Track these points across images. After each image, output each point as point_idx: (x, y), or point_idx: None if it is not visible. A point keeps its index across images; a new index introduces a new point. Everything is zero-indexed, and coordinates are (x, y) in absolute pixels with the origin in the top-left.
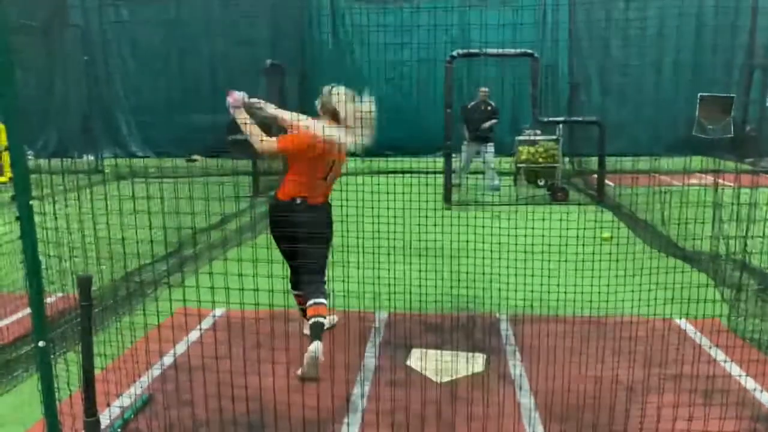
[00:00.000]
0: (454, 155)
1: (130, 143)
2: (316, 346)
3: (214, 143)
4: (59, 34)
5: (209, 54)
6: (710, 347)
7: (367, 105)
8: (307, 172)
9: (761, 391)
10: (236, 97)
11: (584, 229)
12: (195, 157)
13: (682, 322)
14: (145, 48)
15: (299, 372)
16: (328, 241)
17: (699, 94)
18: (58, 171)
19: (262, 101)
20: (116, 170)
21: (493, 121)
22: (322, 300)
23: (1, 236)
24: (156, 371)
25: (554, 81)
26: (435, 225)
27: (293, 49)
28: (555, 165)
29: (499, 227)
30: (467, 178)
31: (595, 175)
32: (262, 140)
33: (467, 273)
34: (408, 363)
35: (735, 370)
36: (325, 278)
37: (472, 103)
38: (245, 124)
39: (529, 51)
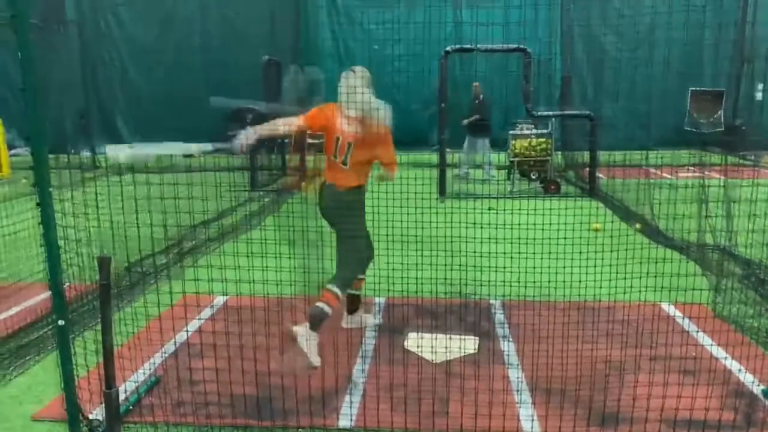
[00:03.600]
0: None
1: (127, 139)
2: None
3: (213, 138)
4: (56, 30)
5: (205, 49)
6: (696, 331)
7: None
8: (326, 150)
9: (744, 372)
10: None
11: (575, 219)
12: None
13: (670, 308)
14: (142, 44)
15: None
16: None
17: (690, 89)
18: (55, 166)
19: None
20: (113, 165)
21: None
22: (336, 290)
23: (4, 229)
24: (167, 352)
25: (547, 75)
26: (431, 215)
27: (289, 44)
28: (547, 158)
29: (489, 215)
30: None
31: (587, 168)
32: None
33: (460, 260)
34: (405, 344)
35: (719, 352)
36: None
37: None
38: (271, 130)
39: (522, 46)
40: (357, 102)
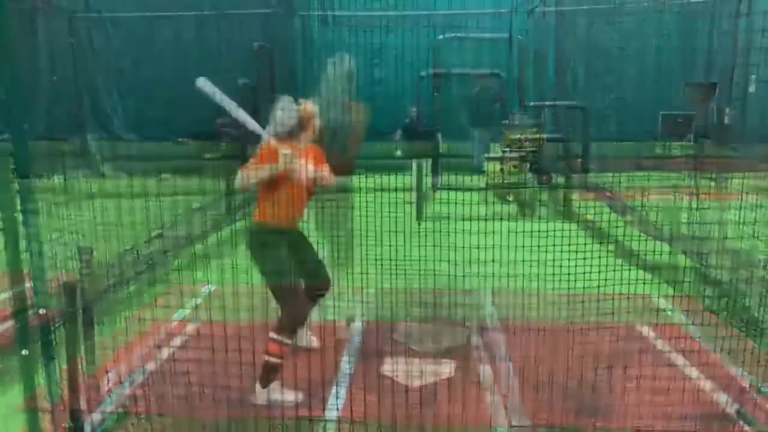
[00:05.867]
0: None
1: (116, 126)
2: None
3: (203, 126)
4: (45, 16)
5: (196, 36)
6: (685, 324)
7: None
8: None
9: (733, 365)
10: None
11: (566, 211)
12: (182, 139)
13: (660, 300)
14: (133, 31)
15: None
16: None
17: (684, 81)
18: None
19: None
20: (103, 153)
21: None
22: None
23: None
24: (152, 349)
25: (541, 66)
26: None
27: (282, 32)
28: (540, 149)
29: (479, 207)
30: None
31: (579, 160)
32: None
33: (449, 253)
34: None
35: (709, 345)
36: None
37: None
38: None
39: (518, 36)
40: None
